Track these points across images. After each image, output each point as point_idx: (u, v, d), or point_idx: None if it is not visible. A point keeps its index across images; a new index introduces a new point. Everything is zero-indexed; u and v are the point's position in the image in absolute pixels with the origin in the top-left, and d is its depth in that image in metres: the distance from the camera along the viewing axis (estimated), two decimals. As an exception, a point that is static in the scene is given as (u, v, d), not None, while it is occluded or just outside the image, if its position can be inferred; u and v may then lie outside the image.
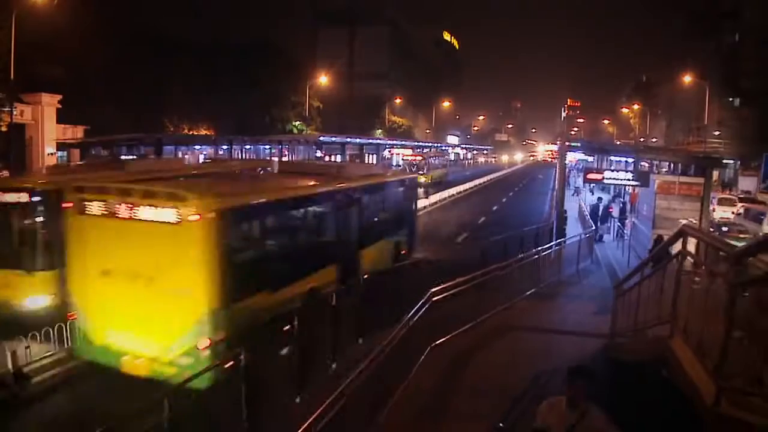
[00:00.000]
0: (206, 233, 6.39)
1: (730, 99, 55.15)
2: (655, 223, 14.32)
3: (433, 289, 7.79)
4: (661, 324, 4.93)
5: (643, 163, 22.04)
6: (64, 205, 7.07)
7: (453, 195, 33.17)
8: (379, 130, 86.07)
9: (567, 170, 21.61)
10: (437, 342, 7.97)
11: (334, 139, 37.20)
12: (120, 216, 6.65)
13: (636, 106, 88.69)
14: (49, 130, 45.85)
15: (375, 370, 5.47)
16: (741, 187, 47.21)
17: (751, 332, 2.99)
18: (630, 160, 22.17)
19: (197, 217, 6.30)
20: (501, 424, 5.04)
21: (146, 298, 6.50)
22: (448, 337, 8.22)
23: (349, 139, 41.02)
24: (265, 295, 7.39)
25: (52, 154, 46.50)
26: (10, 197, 8.51)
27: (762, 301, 2.97)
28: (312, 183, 9.99)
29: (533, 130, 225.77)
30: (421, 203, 23.36)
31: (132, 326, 6.63)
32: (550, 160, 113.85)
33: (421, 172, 39.70)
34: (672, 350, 4.05)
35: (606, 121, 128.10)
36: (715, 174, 60.63)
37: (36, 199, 8.44)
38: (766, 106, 43.58)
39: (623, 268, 14.14)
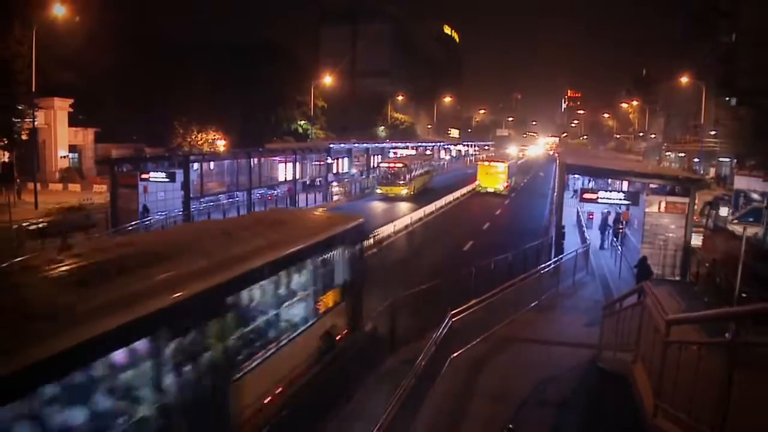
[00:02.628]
0: (507, 168, 41.04)
1: (727, 98, 56.28)
2: (644, 237, 15.94)
3: (453, 311, 9.41)
4: (631, 350, 6.54)
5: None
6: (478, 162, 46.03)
7: (442, 206, 30.82)
8: (382, 127, 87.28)
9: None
10: (455, 354, 9.60)
11: (342, 145, 38.94)
12: (490, 163, 41.74)
13: (635, 102, 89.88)
14: (61, 134, 47.23)
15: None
16: (737, 185, 48.43)
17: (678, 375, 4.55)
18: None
19: (506, 165, 41.29)
20: (510, 426, 6.55)
21: (496, 178, 39.72)
22: (464, 349, 9.85)
23: (356, 145, 42.67)
24: (514, 176, 46.42)
25: (64, 157, 47.96)
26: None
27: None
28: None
29: (534, 123, 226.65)
30: (403, 222, 23.67)
31: (491, 183, 39.60)
32: (551, 153, 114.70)
33: (401, 182, 33.50)
34: (632, 372, 5.64)
35: (606, 115, 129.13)
36: (712, 171, 61.96)
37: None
38: (761, 105, 44.71)
39: (615, 279, 15.78)
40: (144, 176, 22.26)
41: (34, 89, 31.65)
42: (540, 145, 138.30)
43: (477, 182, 40.55)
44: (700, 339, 4.13)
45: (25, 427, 4.57)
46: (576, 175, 30.79)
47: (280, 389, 8.12)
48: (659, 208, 15.35)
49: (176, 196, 23.57)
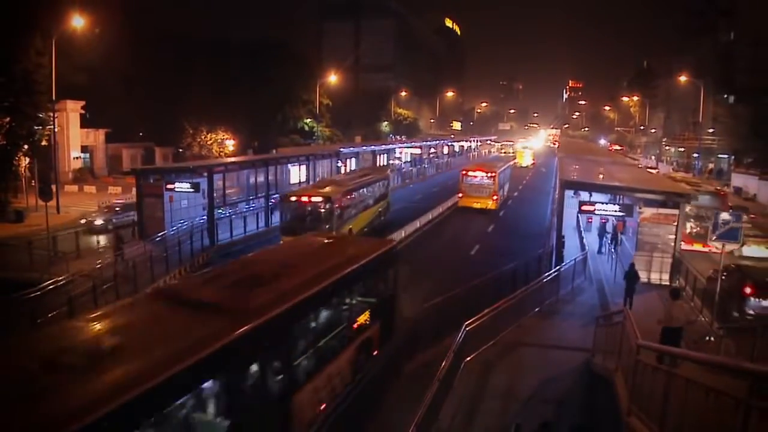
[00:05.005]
0: (533, 153, 69.49)
1: (725, 95, 57.30)
2: (638, 245, 17.41)
3: (467, 322, 10.91)
4: (615, 359, 8.02)
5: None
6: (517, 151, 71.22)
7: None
8: (385, 123, 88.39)
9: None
10: (468, 358, 11.10)
11: (352, 149, 40.35)
12: (524, 149, 70.63)
13: (636, 98, 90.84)
14: (74, 135, 48.60)
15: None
16: (734, 183, 49.68)
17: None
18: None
19: (532, 152, 70.33)
20: (518, 423, 7.97)
21: (526, 158, 65.85)
22: (475, 354, 11.36)
23: (364, 148, 44.16)
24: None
25: (77, 158, 49.36)
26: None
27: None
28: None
29: (535, 114, 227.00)
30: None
31: (524, 161, 64.76)
32: (553, 145, 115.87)
33: (323, 227, 19.87)
34: (614, 377, 7.11)
35: (607, 108, 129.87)
36: (710, 166, 62.95)
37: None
38: (759, 103, 45.79)
39: (611, 284, 17.25)
40: (169, 186, 23.58)
41: (54, 97, 33.00)
42: (541, 138, 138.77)
43: (516, 161, 58.35)
44: (653, 364, 5.61)
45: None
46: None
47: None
48: (651, 219, 16.82)
49: (198, 203, 25.07)
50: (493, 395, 10.06)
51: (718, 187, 30.54)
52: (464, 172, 33.37)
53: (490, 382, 10.60)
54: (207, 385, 6.73)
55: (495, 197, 32.35)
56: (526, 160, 64.76)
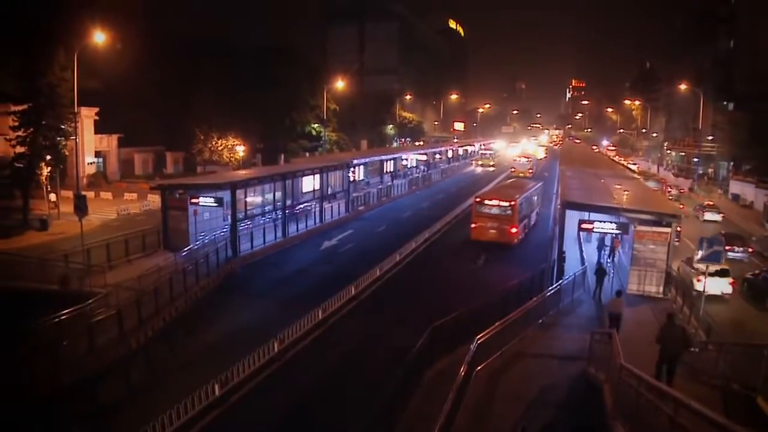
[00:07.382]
0: (546, 149, 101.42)
1: (725, 102, 58.38)
2: (633, 260, 18.87)
3: (479, 335, 12.41)
4: (604, 371, 9.51)
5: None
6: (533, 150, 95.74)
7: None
8: (390, 126, 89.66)
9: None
10: (479, 367, 12.60)
11: (363, 160, 41.78)
12: (537, 148, 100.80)
13: (637, 102, 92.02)
14: (88, 141, 50.04)
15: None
16: (732, 190, 50.85)
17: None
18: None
19: (545, 148, 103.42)
20: (524, 425, 9.38)
21: (540, 153, 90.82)
22: (485, 363, 12.86)
23: (374, 158, 45.55)
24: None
25: (91, 163, 50.85)
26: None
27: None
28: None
29: (538, 115, 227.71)
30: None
31: (538, 155, 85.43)
32: (555, 147, 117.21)
33: None
34: (603, 387, 8.59)
35: (610, 109, 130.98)
36: (710, 171, 63.95)
37: None
38: (758, 110, 46.89)
39: (607, 295, 18.68)
40: (194, 201, 24.90)
41: (76, 109, 34.42)
42: (542, 140, 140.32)
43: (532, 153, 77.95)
44: (630, 383, 7.10)
45: None
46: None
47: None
48: (645, 237, 18.29)
49: (218, 215, 26.57)
50: (502, 400, 11.52)
51: (661, 177, 45.97)
52: (514, 158, 66.88)
53: (499, 388, 12.08)
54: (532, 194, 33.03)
55: (531, 170, 59.94)
56: (540, 155, 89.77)
